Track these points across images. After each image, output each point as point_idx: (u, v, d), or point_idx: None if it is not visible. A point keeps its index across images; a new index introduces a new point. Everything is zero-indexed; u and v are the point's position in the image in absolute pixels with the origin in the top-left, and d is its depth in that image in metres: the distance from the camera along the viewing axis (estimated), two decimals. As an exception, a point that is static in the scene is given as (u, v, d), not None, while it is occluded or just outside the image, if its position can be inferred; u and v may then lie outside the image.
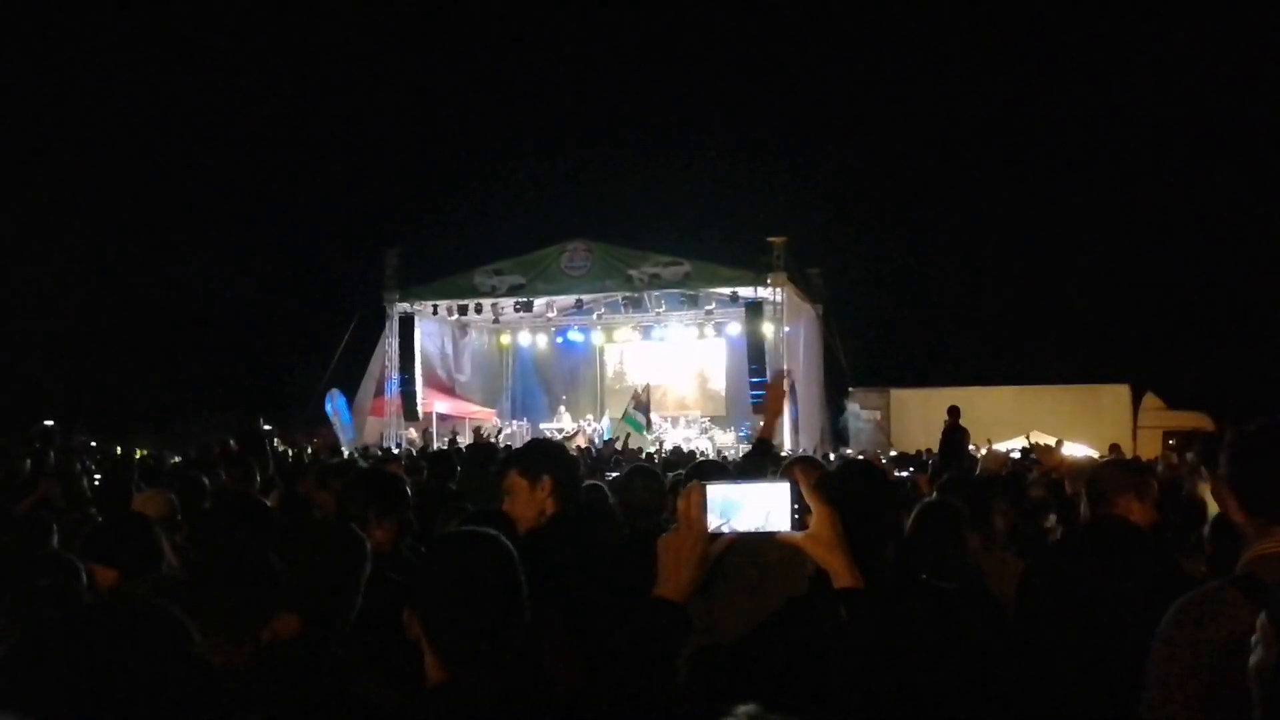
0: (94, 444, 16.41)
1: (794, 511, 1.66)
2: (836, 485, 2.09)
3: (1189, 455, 12.67)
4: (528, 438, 19.32)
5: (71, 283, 27.87)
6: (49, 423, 14.70)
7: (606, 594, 2.50)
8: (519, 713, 1.75)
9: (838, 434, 23.67)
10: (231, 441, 13.31)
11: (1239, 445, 1.83)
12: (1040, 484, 6.46)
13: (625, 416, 20.61)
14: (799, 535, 1.67)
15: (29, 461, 10.01)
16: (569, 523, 2.90)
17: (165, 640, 1.29)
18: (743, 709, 1.17)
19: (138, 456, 14.41)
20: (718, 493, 1.69)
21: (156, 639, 1.28)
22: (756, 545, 1.77)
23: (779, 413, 5.01)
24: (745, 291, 20.79)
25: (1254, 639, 1.39)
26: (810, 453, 17.31)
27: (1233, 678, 1.64)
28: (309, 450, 16.01)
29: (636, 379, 24.97)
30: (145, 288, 30.00)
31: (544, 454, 3.12)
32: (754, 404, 20.33)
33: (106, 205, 30.10)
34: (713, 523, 1.68)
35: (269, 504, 4.69)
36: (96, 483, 8.10)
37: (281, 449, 15.43)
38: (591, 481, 4.80)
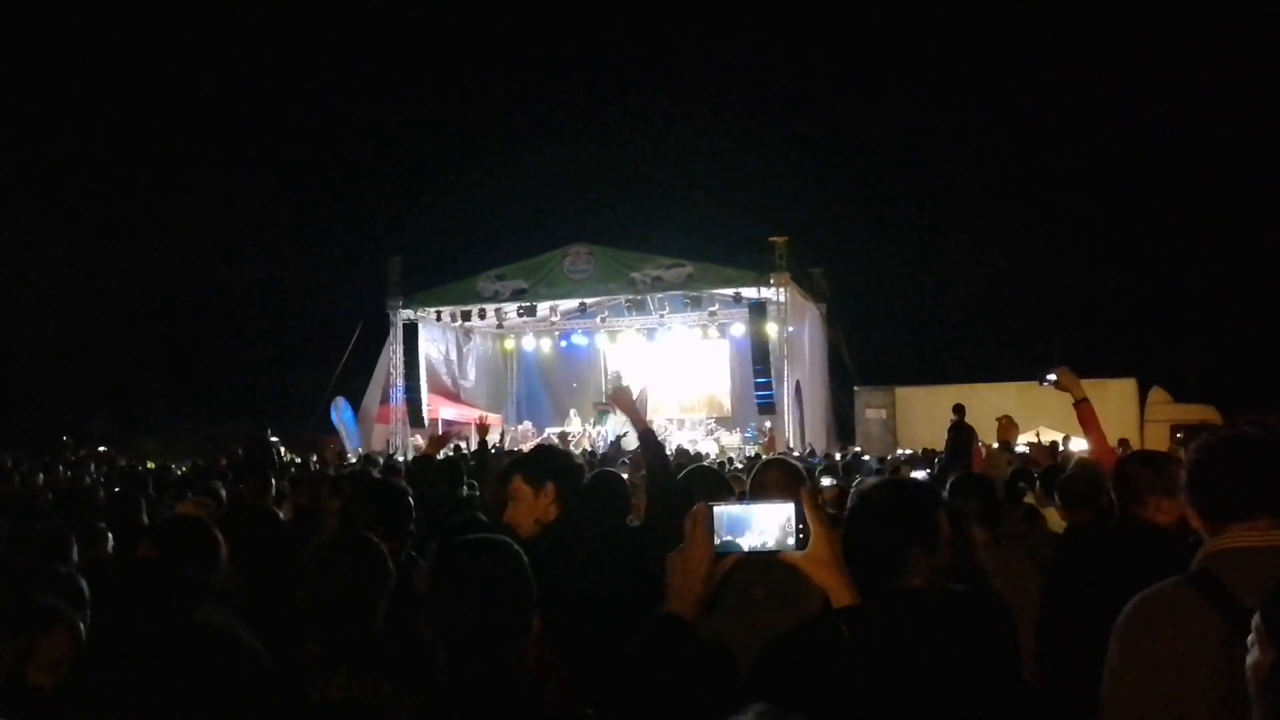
0: (101, 452, 16.49)
1: (798, 531, 1.70)
2: (867, 507, 2.09)
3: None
4: (534, 442, 19.39)
5: (74, 292, 27.97)
6: (64, 438, 14.80)
7: (603, 601, 2.52)
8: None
9: (844, 433, 23.69)
10: (240, 451, 13.40)
11: (1193, 461, 1.94)
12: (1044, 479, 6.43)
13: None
14: (798, 555, 1.71)
15: (41, 476, 10.08)
16: (569, 529, 2.92)
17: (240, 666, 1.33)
18: (753, 708, 1.21)
19: (146, 467, 14.48)
20: (724, 512, 1.74)
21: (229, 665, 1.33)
22: (763, 563, 1.81)
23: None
24: (748, 292, 20.81)
25: (1250, 639, 1.41)
26: (816, 454, 17.32)
27: (1192, 675, 1.68)
28: (315, 459, 16.07)
29: (640, 381, 24.99)
30: (148, 298, 30.09)
31: (549, 460, 3.16)
32: (759, 405, 20.33)
33: (109, 211, 30.20)
34: (719, 541, 1.72)
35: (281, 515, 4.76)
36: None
37: (288, 458, 15.51)
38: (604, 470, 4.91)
